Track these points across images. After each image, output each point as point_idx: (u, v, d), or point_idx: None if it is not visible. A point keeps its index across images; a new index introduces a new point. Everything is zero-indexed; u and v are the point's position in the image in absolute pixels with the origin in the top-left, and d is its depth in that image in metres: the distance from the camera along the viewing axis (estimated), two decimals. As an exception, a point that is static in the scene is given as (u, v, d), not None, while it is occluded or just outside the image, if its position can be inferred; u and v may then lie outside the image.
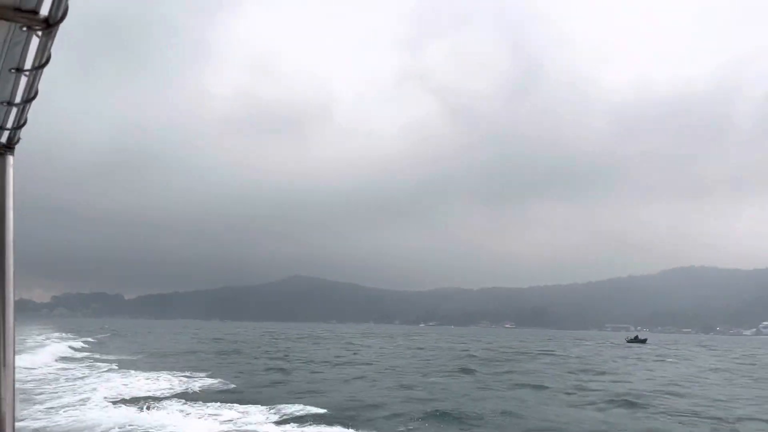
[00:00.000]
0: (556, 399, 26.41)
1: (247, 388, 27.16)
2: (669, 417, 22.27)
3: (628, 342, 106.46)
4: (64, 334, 77.63)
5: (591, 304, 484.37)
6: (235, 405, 21.02)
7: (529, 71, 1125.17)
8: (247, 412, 19.75)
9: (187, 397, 23.19)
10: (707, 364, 52.41)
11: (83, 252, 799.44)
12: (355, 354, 55.08)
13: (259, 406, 20.96)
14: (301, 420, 18.91)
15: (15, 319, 2.48)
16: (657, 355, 66.17)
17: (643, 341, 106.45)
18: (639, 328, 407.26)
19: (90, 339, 71.05)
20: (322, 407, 20.96)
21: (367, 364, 43.35)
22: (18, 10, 1.81)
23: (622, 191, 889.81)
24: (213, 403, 21.27)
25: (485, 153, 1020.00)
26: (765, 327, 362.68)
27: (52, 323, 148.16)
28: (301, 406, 21.09)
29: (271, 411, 20.15)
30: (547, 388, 30.03)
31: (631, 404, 24.51)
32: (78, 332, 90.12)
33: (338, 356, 51.01)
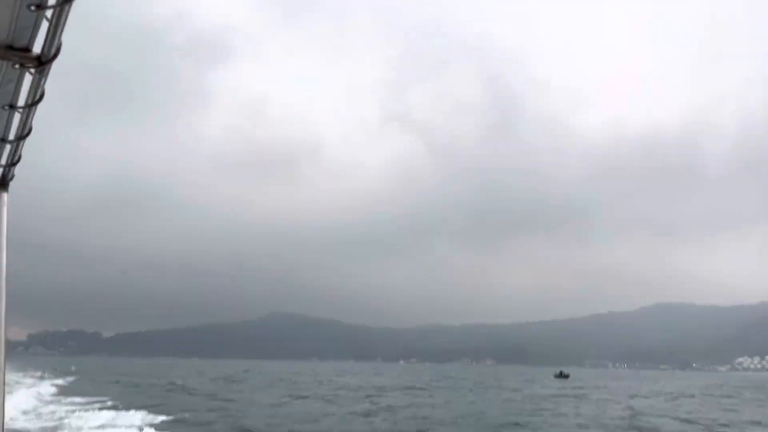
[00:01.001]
0: None
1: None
2: None
3: (555, 377, 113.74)
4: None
5: (571, 340, 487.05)
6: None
7: (508, 113, 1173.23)
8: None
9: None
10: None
11: (62, 289, 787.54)
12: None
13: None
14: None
15: (6, 357, 2.38)
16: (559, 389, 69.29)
17: (567, 376, 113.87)
18: (617, 364, 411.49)
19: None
20: None
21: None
22: (10, 48, 1.78)
23: (600, 229, 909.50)
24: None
25: (466, 191, 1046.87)
26: (739, 363, 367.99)
27: (23, 362, 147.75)
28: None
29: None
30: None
31: None
32: (46, 372, 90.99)
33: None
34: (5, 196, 2.42)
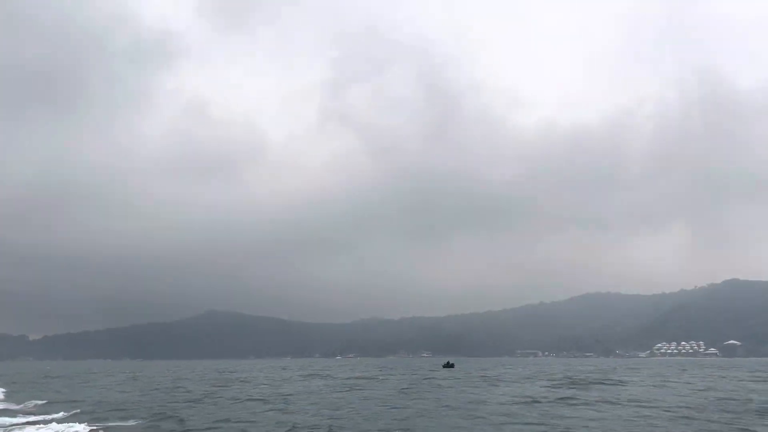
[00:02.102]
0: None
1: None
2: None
3: (443, 367, 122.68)
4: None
5: (504, 331, 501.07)
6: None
7: (445, 113, 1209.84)
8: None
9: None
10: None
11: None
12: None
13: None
14: None
15: None
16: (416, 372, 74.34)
17: (452, 366, 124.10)
18: (546, 353, 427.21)
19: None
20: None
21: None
22: None
23: (533, 225, 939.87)
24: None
25: (405, 189, 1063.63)
26: (658, 349, 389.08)
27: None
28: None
29: None
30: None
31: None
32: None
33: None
34: None
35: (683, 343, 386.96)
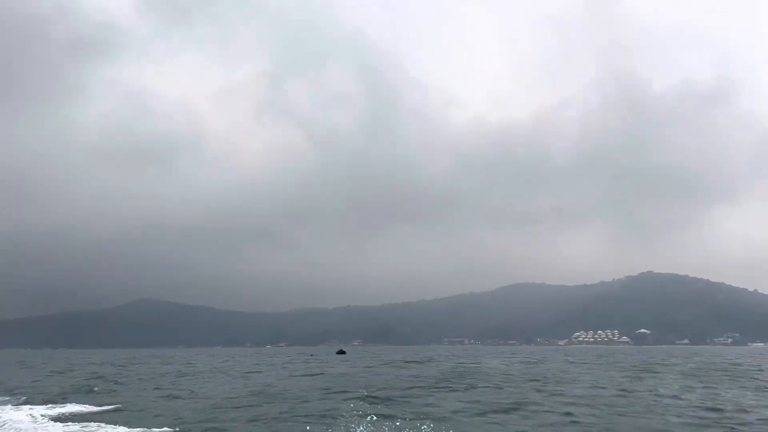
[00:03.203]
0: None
1: None
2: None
3: (336, 353, 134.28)
4: None
5: (434, 319, 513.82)
6: None
7: (383, 108, 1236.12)
8: None
9: None
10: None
11: None
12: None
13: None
14: None
15: None
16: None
17: (344, 353, 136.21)
18: (472, 341, 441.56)
19: None
20: None
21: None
22: None
23: (465, 218, 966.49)
24: None
25: (343, 181, 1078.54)
26: (576, 337, 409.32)
27: None
28: None
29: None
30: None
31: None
32: None
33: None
34: None
35: (599, 331, 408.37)
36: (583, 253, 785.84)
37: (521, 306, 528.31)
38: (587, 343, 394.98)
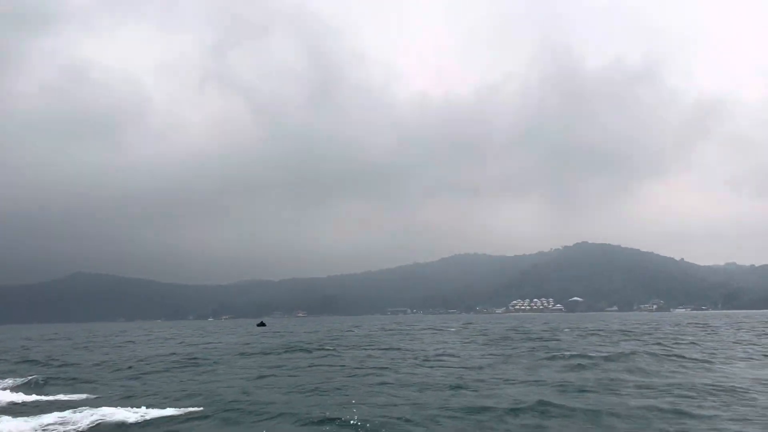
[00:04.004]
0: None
1: None
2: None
3: (257, 325, 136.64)
4: None
5: (379, 290, 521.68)
6: None
7: (328, 81, 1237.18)
8: None
9: None
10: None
11: None
12: None
13: None
14: None
15: None
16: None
17: (264, 325, 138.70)
18: (414, 310, 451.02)
19: None
20: None
21: None
22: None
23: (409, 191, 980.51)
24: None
25: (288, 153, 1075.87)
26: (513, 305, 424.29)
27: None
28: None
29: None
30: None
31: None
32: None
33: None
34: None
35: (535, 300, 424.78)
36: (523, 225, 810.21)
37: (463, 276, 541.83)
38: (523, 311, 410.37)
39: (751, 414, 18.42)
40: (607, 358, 33.75)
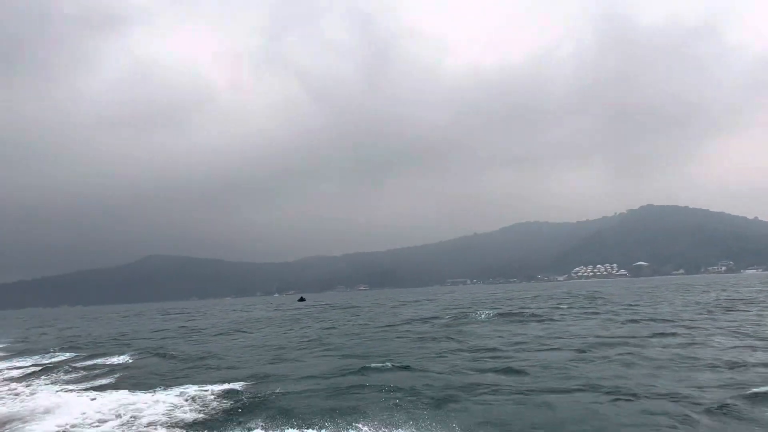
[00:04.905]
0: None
1: None
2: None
3: (298, 301, 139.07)
4: None
5: (437, 262, 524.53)
6: None
7: (381, 58, 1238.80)
8: None
9: None
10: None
11: None
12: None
13: None
14: None
15: None
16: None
17: (304, 300, 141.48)
18: (474, 281, 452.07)
19: None
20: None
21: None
22: None
23: (466, 162, 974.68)
24: None
25: (345, 132, 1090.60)
26: (575, 272, 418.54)
27: None
28: None
29: None
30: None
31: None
32: None
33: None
34: None
35: (598, 266, 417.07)
36: (585, 190, 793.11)
37: (523, 245, 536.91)
38: (586, 277, 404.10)
39: None
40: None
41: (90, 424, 14.07)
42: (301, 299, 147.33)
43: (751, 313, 35.52)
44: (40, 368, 25.84)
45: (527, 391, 15.54)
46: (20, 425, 14.16)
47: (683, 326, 28.91)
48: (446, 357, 22.35)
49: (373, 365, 20.28)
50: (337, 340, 30.87)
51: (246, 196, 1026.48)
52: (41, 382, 22.31)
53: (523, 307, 49.59)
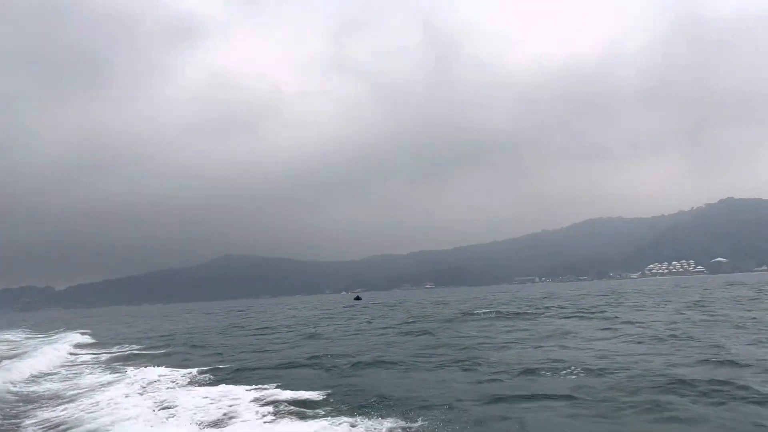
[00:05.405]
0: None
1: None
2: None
3: (354, 299, 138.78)
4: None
5: (505, 259, 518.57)
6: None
7: (445, 56, 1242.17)
8: None
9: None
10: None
11: (14, 248, 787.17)
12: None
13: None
14: None
15: None
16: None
17: (360, 299, 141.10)
18: (543, 279, 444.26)
19: None
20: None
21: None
22: None
23: (533, 158, 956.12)
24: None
25: (409, 130, 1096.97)
26: (649, 270, 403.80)
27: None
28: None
29: None
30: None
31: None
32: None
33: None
34: None
35: (674, 262, 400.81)
36: (659, 184, 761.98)
37: (594, 241, 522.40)
38: (661, 274, 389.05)
39: None
40: None
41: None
42: (357, 298, 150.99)
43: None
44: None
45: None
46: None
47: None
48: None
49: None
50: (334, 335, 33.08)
51: (314, 196, 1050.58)
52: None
53: (540, 306, 49.99)
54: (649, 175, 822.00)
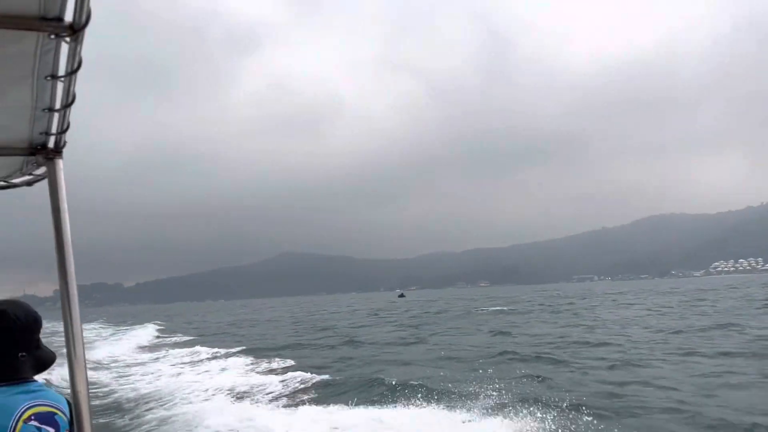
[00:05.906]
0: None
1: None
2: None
3: (398, 296, 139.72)
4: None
5: (563, 258, 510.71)
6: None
7: (500, 54, 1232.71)
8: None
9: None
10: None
11: (84, 245, 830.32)
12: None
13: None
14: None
15: (80, 314, 2.14)
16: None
17: (404, 296, 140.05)
18: (602, 277, 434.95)
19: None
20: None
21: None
22: (43, 19, 1.68)
23: (591, 154, 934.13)
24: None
25: (465, 129, 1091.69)
26: (714, 268, 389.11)
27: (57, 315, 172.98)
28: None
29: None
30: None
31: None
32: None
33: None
34: (61, 162, 2.25)
35: (741, 260, 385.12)
36: (725, 179, 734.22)
37: (656, 238, 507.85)
38: (726, 273, 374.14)
39: None
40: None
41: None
42: (401, 295, 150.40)
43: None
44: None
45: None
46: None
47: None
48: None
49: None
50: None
51: (372, 195, 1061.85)
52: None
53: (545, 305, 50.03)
54: (715, 170, 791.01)
